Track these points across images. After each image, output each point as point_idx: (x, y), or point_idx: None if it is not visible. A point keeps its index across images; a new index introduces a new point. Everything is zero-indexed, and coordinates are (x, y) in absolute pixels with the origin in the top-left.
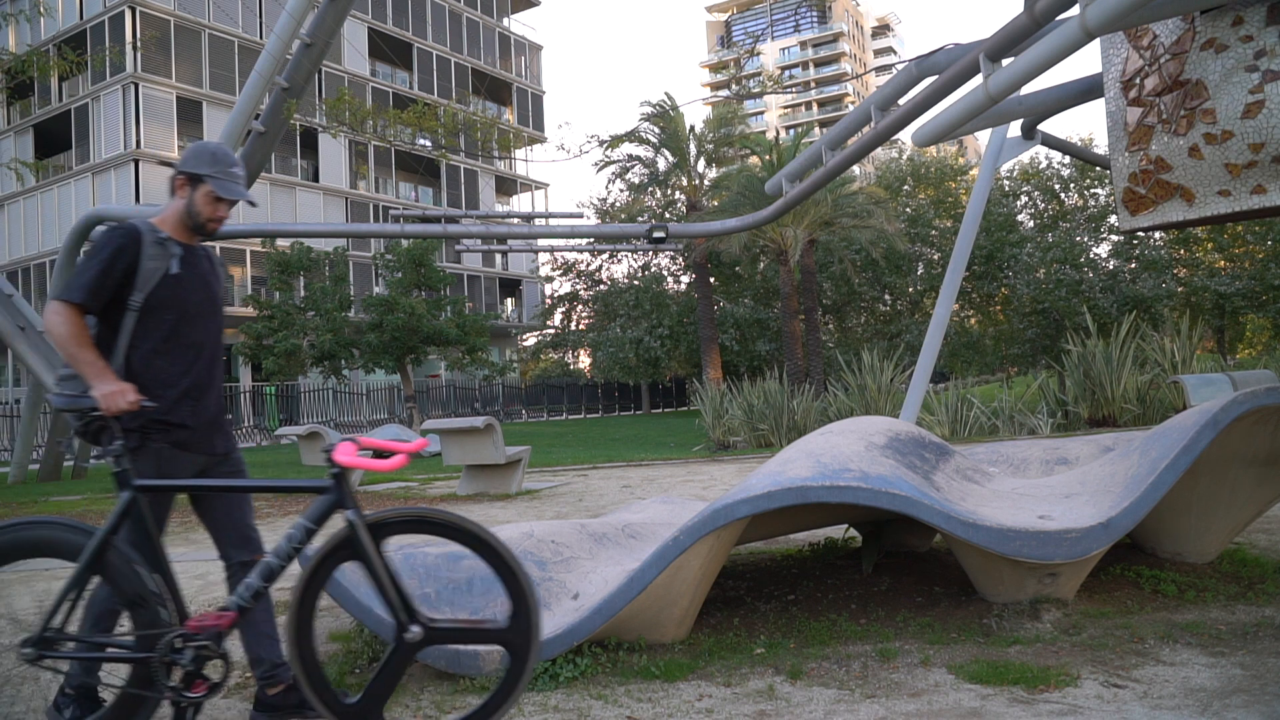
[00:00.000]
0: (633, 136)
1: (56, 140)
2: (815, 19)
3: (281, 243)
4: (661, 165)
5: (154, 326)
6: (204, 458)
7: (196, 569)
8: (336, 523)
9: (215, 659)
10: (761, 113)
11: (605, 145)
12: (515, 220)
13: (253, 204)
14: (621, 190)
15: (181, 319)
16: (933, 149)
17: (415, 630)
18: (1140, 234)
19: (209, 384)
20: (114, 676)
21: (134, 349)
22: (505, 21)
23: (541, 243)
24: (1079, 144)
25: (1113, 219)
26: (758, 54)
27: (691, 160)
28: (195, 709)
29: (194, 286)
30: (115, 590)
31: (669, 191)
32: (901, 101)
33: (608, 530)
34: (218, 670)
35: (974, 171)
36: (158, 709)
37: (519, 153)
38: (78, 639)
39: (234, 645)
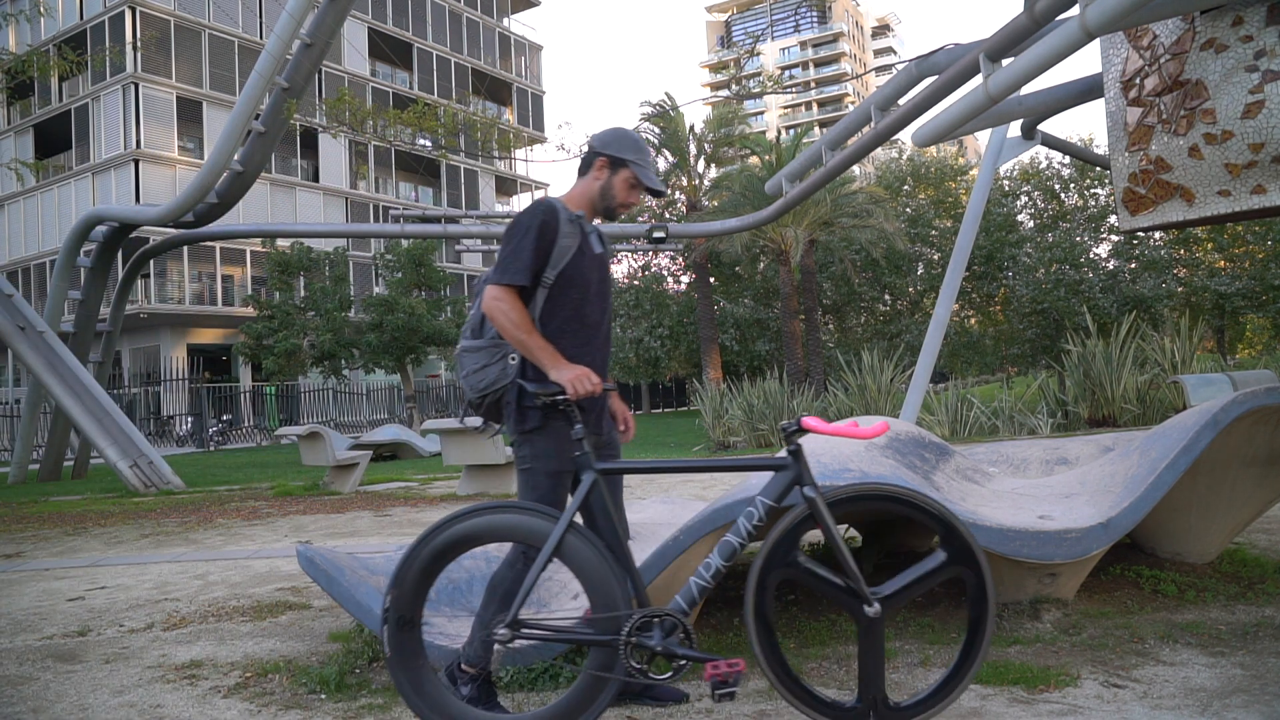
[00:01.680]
0: None
1: (56, 140)
2: (815, 19)
3: (282, 243)
4: (661, 165)
5: (561, 304)
6: (592, 438)
7: (197, 569)
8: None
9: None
10: (761, 113)
11: None
12: None
13: (660, 194)
14: None
15: (584, 297)
16: (933, 149)
17: (875, 606)
18: (1140, 234)
19: (603, 364)
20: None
21: (541, 326)
22: (505, 21)
23: None
24: (1079, 144)
25: (1113, 219)
26: (758, 54)
27: (691, 160)
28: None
29: (596, 265)
30: (578, 575)
31: (669, 191)
32: (901, 101)
33: None
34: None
35: (974, 171)
36: (619, 690)
37: (519, 153)
38: (541, 624)
39: (235, 646)
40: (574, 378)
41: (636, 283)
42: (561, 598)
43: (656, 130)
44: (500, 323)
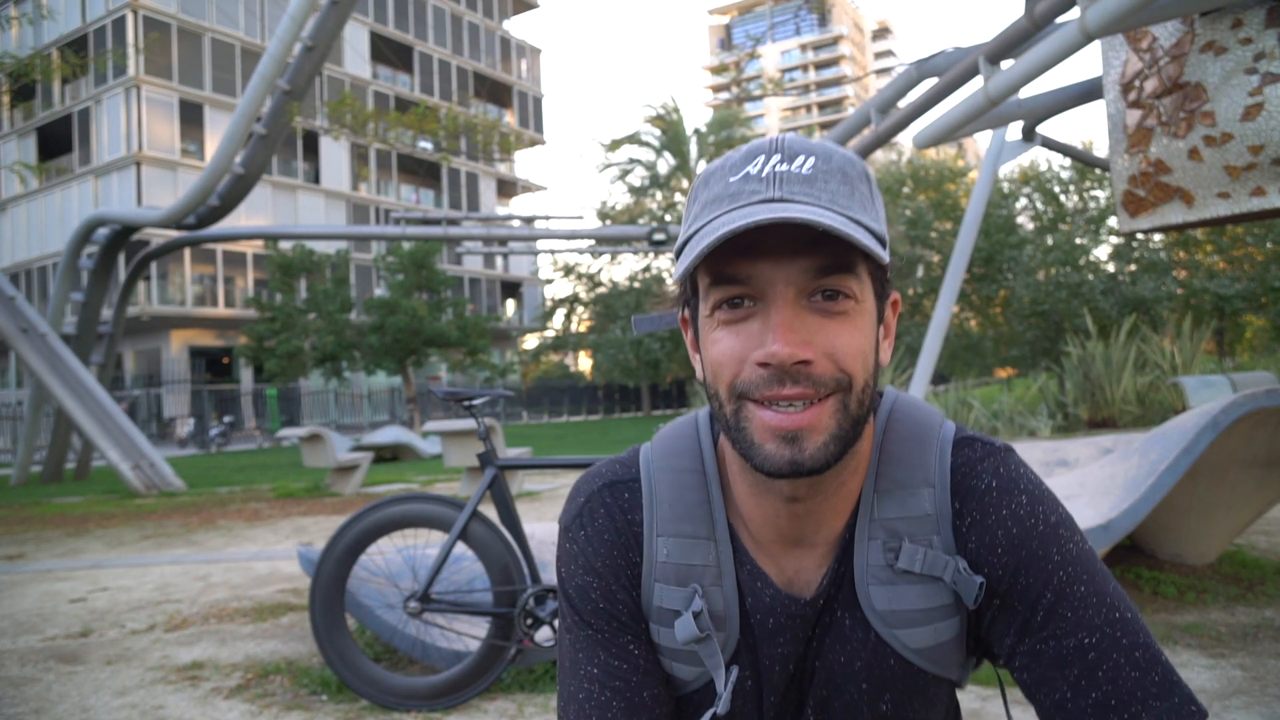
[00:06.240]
0: (634, 139)
1: (59, 143)
2: (815, 22)
3: (283, 245)
4: (662, 168)
5: None
6: None
7: (198, 570)
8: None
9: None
10: (762, 115)
11: (606, 148)
12: (516, 222)
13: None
14: (623, 192)
15: None
16: (932, 151)
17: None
18: (1140, 236)
19: None
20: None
21: None
22: (505, 25)
23: (542, 245)
24: (1079, 147)
25: (1112, 221)
26: (758, 56)
27: (693, 162)
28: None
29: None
30: (480, 555)
31: (670, 193)
32: (901, 104)
33: None
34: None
35: (973, 174)
36: (516, 656)
37: (520, 155)
38: (449, 598)
39: (236, 648)
40: None
41: (637, 285)
42: None
43: (658, 133)
44: None
